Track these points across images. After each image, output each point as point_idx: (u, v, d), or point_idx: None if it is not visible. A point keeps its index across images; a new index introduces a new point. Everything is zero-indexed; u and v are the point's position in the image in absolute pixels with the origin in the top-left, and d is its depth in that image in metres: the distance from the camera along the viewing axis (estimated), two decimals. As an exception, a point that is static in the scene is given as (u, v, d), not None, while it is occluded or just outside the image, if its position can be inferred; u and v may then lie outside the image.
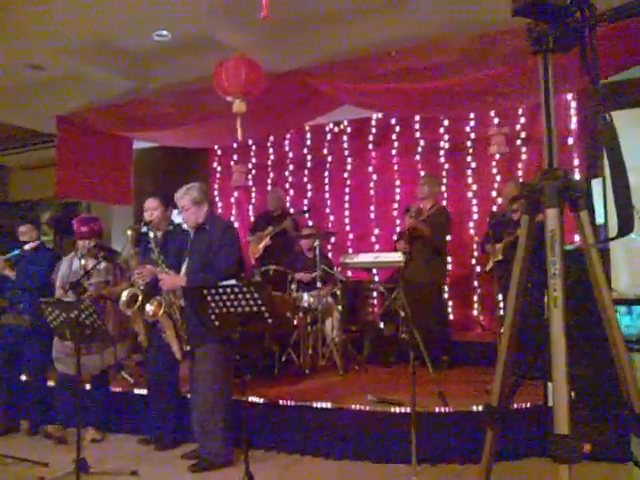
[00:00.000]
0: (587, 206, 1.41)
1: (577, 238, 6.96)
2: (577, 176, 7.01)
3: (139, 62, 5.93)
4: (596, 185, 6.67)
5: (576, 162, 7.10)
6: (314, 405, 4.54)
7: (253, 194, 8.96)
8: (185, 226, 4.42)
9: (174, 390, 4.63)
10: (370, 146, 8.17)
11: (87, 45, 5.38)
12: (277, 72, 5.88)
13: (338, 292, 6.12)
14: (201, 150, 8.89)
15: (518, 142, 7.38)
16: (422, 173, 7.51)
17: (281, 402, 4.65)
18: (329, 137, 8.41)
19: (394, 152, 8.04)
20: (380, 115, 7.95)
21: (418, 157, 7.89)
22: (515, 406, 4.35)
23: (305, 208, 7.96)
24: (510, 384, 1.58)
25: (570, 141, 7.12)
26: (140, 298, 4.45)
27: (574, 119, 7.14)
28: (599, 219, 5.95)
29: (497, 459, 4.08)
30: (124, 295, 4.51)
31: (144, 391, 4.97)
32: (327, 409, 4.50)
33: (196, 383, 4.19)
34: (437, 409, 4.21)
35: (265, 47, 5.54)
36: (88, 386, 5.00)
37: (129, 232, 4.60)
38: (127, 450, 4.66)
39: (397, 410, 4.24)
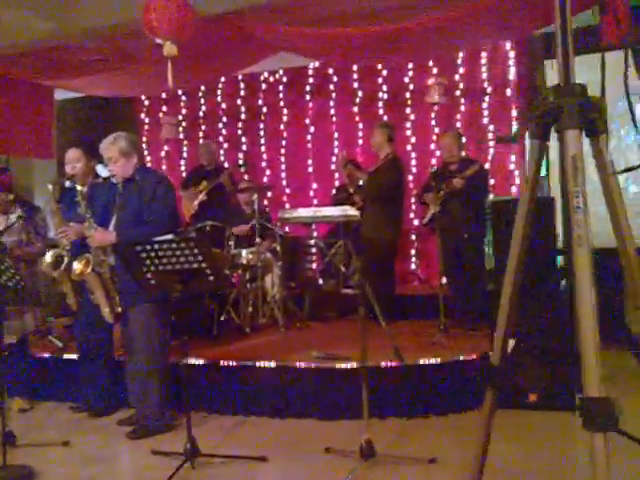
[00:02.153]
0: (605, 129, 1.24)
1: (514, 189, 7.04)
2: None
3: (59, 1, 5.43)
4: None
5: (514, 113, 7.06)
6: (257, 364, 4.37)
7: (184, 147, 8.56)
8: (113, 179, 4.07)
9: (107, 354, 4.34)
10: (307, 97, 7.90)
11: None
12: (208, 15, 5.48)
13: (278, 248, 5.92)
14: (127, 101, 8.37)
15: (457, 93, 7.27)
16: (360, 125, 7.34)
17: (222, 362, 4.46)
18: (264, 87, 8.08)
19: (332, 103, 7.81)
20: (317, 64, 7.67)
21: (356, 108, 7.69)
22: (462, 358, 4.32)
23: (241, 162, 7.64)
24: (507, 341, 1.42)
25: (508, 92, 7.08)
26: (66, 259, 4.12)
27: (513, 70, 7.07)
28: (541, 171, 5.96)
29: (443, 413, 4.13)
30: (48, 256, 4.18)
31: (74, 356, 4.68)
32: (271, 368, 4.33)
33: (130, 346, 3.93)
34: (384, 364, 4.11)
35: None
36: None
37: (50, 187, 4.22)
38: (58, 419, 4.39)
39: (345, 366, 4.12)
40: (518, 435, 3.60)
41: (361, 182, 6.28)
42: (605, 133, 1.23)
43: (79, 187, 4.04)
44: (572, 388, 3.86)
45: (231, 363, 4.43)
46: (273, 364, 4.34)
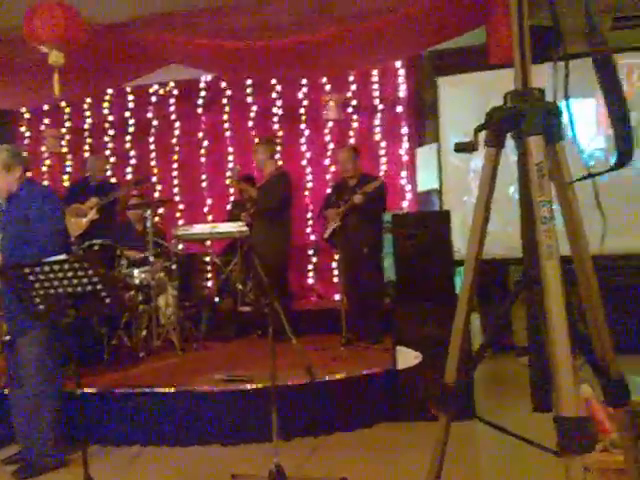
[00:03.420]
0: (563, 136, 1.22)
1: (405, 204, 7.21)
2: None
3: None
4: (425, 152, 6.89)
5: (405, 130, 7.25)
6: (154, 390, 4.13)
7: (68, 162, 8.09)
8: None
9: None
10: (199, 110, 7.71)
11: None
12: (97, 23, 5.23)
13: (173, 266, 5.69)
14: (5, 113, 7.83)
15: (349, 110, 7.37)
16: (256, 140, 7.26)
17: (116, 390, 4.18)
18: (154, 99, 7.81)
19: (225, 117, 7.67)
20: (209, 77, 7.53)
21: (250, 123, 7.60)
22: (365, 372, 4.31)
23: (138, 177, 7.34)
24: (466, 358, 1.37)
25: (399, 109, 7.26)
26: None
27: (403, 87, 7.26)
28: (433, 185, 6.13)
29: (349, 429, 4.09)
30: None
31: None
32: (170, 393, 4.11)
33: (17, 376, 3.59)
34: (291, 382, 4.01)
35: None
36: None
37: None
38: None
39: (251, 387, 3.99)
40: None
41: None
42: (563, 139, 1.21)
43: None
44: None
45: (126, 390, 4.17)
46: (172, 389, 4.13)
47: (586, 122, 5.55)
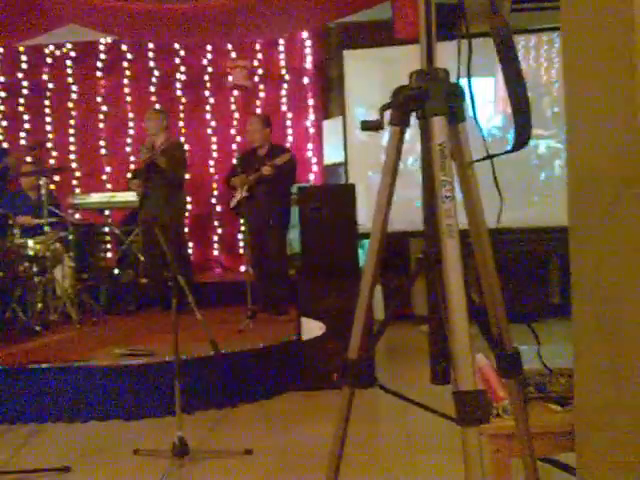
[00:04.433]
0: (465, 116, 1.24)
1: (312, 177, 7.24)
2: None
3: None
4: (331, 125, 6.92)
5: (311, 102, 7.24)
6: (51, 366, 3.98)
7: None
8: None
9: None
10: (98, 73, 7.37)
11: None
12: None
13: (70, 236, 5.45)
14: None
15: (256, 79, 7.27)
16: (157, 106, 7.02)
17: (9, 367, 4.00)
18: (49, 61, 7.39)
19: (126, 81, 7.38)
20: (109, 39, 7.19)
21: (153, 88, 7.35)
22: (270, 343, 4.34)
23: (31, 143, 6.95)
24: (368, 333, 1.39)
25: (306, 80, 7.24)
26: None
27: (309, 58, 7.24)
28: (339, 158, 6.18)
29: (254, 400, 4.12)
30: None
31: None
32: (68, 368, 3.97)
33: None
34: (191, 356, 3.97)
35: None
36: None
37: None
38: None
39: (152, 360, 3.92)
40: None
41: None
42: (465, 120, 1.24)
43: None
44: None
45: (21, 366, 3.99)
46: (70, 364, 3.99)
47: (485, 101, 5.75)
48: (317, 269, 4.46)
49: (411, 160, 5.44)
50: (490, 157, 1.24)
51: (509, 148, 1.22)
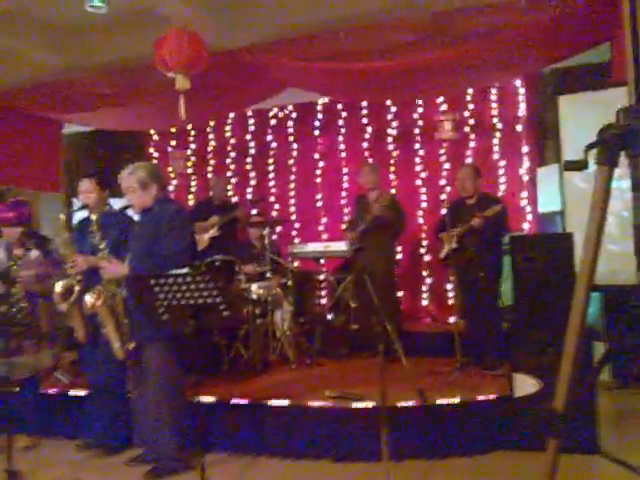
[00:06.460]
0: None
1: (526, 226, 6.96)
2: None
3: (72, 36, 5.45)
4: (545, 173, 6.65)
5: (525, 149, 7.04)
6: (270, 403, 4.24)
7: (193, 182, 8.53)
8: (130, 210, 4.00)
9: (119, 391, 4.17)
10: (316, 132, 7.89)
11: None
12: (219, 49, 5.51)
13: (289, 283, 5.82)
14: (136, 135, 8.40)
15: (466, 129, 7.27)
16: (369, 161, 7.31)
17: (234, 401, 4.32)
18: (273, 122, 8.09)
19: (341, 138, 7.80)
20: (326, 99, 7.69)
21: (366, 144, 7.68)
22: (481, 398, 4.19)
23: (255, 197, 7.66)
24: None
25: (519, 128, 7.07)
26: (76, 289, 4.02)
27: (523, 105, 7.08)
28: (555, 206, 5.89)
29: (463, 454, 3.98)
30: (58, 286, 4.05)
31: (81, 392, 4.56)
32: (284, 407, 4.20)
33: (144, 384, 3.80)
34: (401, 404, 3.98)
35: (207, 22, 5.20)
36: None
37: (62, 216, 4.14)
38: (65, 457, 4.23)
39: (361, 405, 3.99)
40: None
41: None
42: None
43: (93, 216, 3.98)
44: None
45: (243, 401, 4.30)
46: (286, 402, 4.22)
47: None
48: (532, 322, 4.24)
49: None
50: None
51: None
